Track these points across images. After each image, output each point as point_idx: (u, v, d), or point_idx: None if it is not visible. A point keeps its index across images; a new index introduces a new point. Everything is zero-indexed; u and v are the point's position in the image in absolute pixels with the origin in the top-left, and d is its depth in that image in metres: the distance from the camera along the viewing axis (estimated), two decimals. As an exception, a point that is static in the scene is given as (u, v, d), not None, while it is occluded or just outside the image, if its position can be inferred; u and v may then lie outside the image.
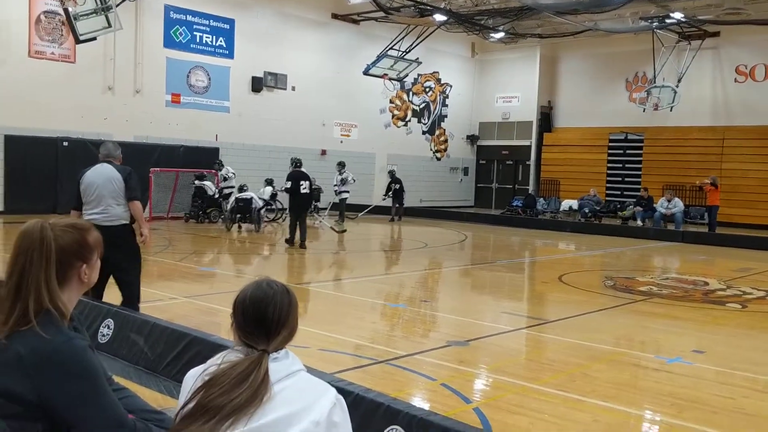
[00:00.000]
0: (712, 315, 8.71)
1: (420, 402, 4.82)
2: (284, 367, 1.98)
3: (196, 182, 18.12)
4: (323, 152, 23.52)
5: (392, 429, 3.51)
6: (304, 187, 12.98)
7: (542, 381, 5.44)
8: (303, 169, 13.45)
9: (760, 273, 12.49)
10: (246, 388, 1.86)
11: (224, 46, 21.32)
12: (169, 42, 20.06)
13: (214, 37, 21.07)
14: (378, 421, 3.57)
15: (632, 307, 8.95)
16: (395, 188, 21.73)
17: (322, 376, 3.91)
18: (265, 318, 2.01)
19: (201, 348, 4.82)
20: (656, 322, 8.21)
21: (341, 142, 24.56)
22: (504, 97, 28.77)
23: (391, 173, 22.54)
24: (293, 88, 22.87)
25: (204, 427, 1.83)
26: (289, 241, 13.18)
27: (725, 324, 8.30)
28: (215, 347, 4.47)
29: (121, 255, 5.78)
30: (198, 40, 20.70)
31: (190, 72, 20.56)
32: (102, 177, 6.00)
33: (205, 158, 19.97)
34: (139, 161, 17.51)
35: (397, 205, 21.75)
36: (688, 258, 15.32)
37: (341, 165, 19.32)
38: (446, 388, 5.14)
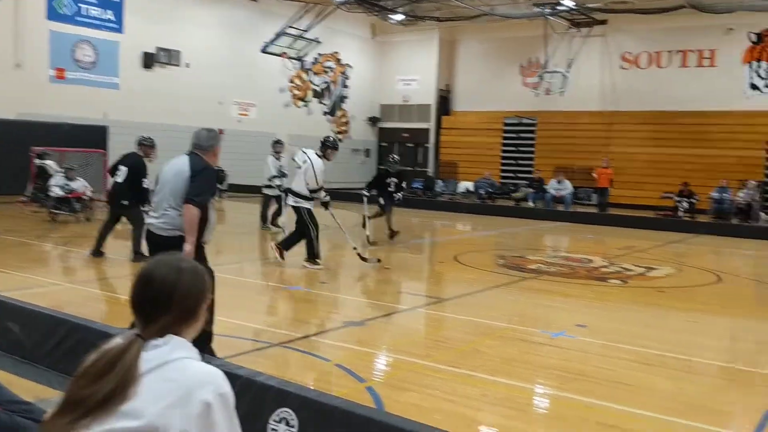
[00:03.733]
0: (596, 291, 9.14)
1: (313, 383, 4.81)
2: (159, 355, 1.73)
3: (37, 161, 15.24)
4: (220, 131, 22.91)
5: (282, 411, 3.47)
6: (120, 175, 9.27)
7: (435, 358, 5.55)
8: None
9: (642, 251, 13.23)
10: (110, 379, 1.65)
11: (113, 19, 20.31)
12: (53, 14, 18.91)
13: (102, 9, 20.02)
14: (268, 405, 3.53)
15: (522, 284, 9.27)
16: (394, 183, 12.97)
17: (212, 361, 3.82)
18: (143, 298, 1.80)
19: (84, 336, 4.59)
20: (544, 298, 8.55)
21: (239, 121, 24.05)
22: (404, 80, 28.98)
23: (391, 162, 13.35)
24: (187, 65, 22.14)
25: (63, 423, 1.63)
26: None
27: (607, 299, 8.74)
28: (100, 335, 4.28)
29: None
30: (84, 13, 19.62)
31: (75, 46, 19.48)
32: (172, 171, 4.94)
33: (93, 137, 19.03)
34: (21, 140, 16.51)
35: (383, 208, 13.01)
36: (576, 237, 16.02)
37: (280, 144, 14.09)
38: (340, 368, 5.15)
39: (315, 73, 27.17)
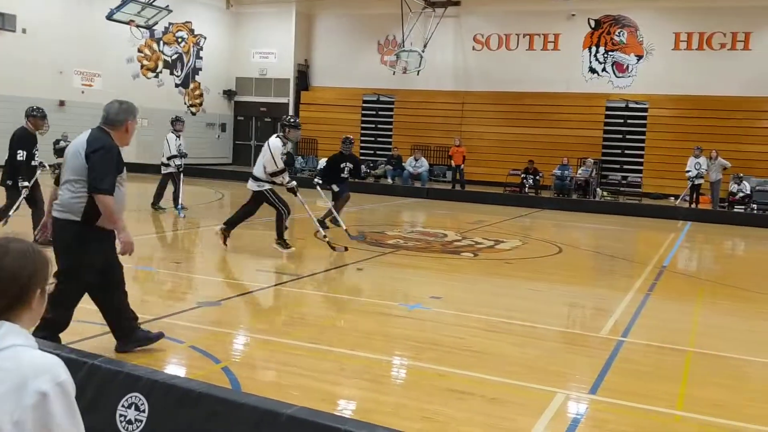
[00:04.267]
0: (450, 264, 9.50)
1: (166, 366, 4.65)
2: None
3: None
4: (61, 103, 21.43)
5: (132, 396, 3.33)
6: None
7: (293, 335, 5.53)
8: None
9: (491, 225, 13.87)
10: None
11: (-66, -24, 18.31)
12: None
13: None
14: (116, 390, 3.37)
15: (381, 259, 9.45)
16: (348, 168, 11.98)
17: (57, 349, 3.59)
18: None
19: None
20: (401, 272, 8.77)
21: (83, 92, 22.55)
22: (261, 53, 28.37)
23: (347, 144, 12.19)
24: (24, 31, 20.41)
25: None
26: None
27: (460, 272, 9.11)
28: None
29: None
30: None
31: None
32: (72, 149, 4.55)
33: None
34: None
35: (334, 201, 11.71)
36: (432, 213, 16.53)
37: (180, 122, 13.34)
38: (195, 350, 5.02)
39: (166, 43, 25.97)
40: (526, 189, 21.13)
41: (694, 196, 18.75)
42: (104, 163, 4.37)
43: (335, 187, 11.66)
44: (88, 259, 4.48)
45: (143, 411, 3.29)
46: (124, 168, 4.60)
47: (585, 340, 6.12)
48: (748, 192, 18.85)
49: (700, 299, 8.05)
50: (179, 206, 12.54)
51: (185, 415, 3.22)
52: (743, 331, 6.54)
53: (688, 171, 18.68)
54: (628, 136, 23.27)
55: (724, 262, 12.03)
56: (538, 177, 21.29)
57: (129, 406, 3.32)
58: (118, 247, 4.57)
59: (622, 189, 21.78)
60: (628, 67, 23.37)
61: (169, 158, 12.86)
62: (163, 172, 13.08)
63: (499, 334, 6.02)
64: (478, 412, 4.13)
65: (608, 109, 23.45)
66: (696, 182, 18.61)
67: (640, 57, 23.20)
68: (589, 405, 4.44)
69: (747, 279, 9.60)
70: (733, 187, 18.96)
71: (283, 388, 4.33)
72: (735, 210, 18.60)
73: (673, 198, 20.17)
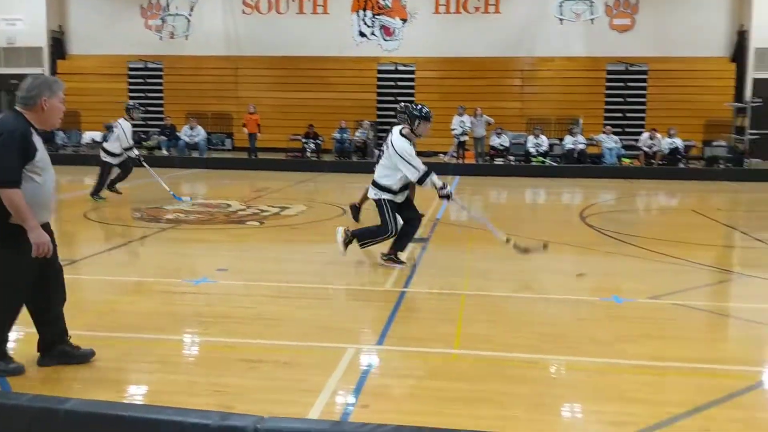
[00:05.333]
0: (235, 234, 9.37)
1: None
2: None
3: None
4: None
5: None
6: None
7: (69, 324, 5.13)
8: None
9: (275, 191, 13.88)
10: None
11: None
12: None
13: None
14: None
15: (161, 235, 9.06)
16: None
17: None
18: None
19: None
20: (184, 247, 8.49)
21: None
22: (7, 20, 25.39)
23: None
24: None
25: None
26: None
27: (246, 241, 9.03)
28: None
29: None
30: None
31: None
32: None
33: None
34: None
35: None
36: (213, 183, 16.12)
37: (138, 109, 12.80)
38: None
39: None
40: (308, 153, 21.35)
41: (461, 152, 20.21)
42: (4, 150, 3.81)
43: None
44: (15, 261, 3.95)
45: None
46: (38, 153, 3.94)
47: (372, 294, 6.41)
48: (507, 145, 20.69)
49: (471, 246, 8.76)
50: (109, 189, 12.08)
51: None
52: (506, 272, 7.22)
53: (454, 129, 20.06)
54: (399, 98, 24.30)
55: (490, 211, 13.14)
56: (318, 141, 21.58)
57: None
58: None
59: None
60: (394, 30, 24.31)
61: (126, 149, 12.00)
62: (105, 159, 12.01)
63: (290, 299, 6.08)
64: (271, 378, 4.17)
65: (380, 72, 24.29)
66: (461, 139, 20.06)
67: (405, 21, 24.22)
68: (377, 355, 4.67)
69: (509, 224, 10.58)
70: (494, 141, 20.67)
71: (62, 382, 4.03)
72: (496, 162, 20.34)
73: (442, 155, 21.54)
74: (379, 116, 24.17)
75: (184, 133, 21.24)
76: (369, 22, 24.35)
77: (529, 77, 23.74)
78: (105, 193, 12.08)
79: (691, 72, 22.80)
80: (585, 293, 6.45)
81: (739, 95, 22.54)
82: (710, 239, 9.78)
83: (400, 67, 24.16)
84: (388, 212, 7.16)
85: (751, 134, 20.76)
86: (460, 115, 20.04)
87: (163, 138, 21.72)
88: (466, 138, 20.16)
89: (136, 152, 12.38)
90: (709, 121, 22.46)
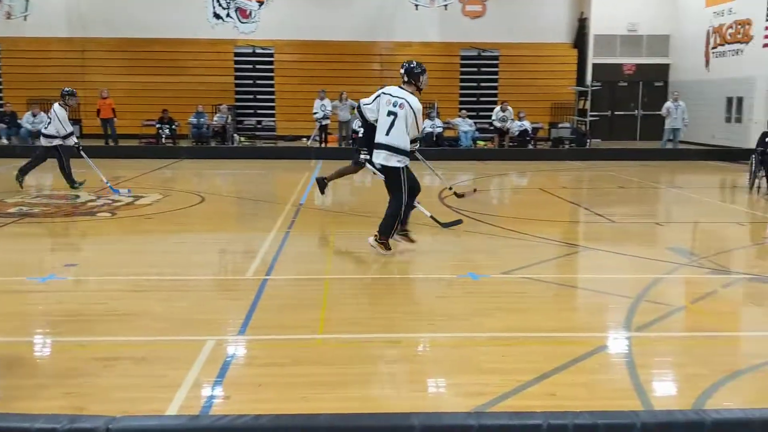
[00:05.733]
0: (84, 227, 8.87)
1: None
2: None
3: None
4: None
5: None
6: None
7: None
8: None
9: (129, 180, 13.23)
10: None
11: None
12: None
13: None
14: None
15: (1, 231, 8.40)
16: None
17: None
18: None
19: None
20: (27, 243, 7.93)
21: None
22: None
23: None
24: None
25: None
26: None
27: (97, 234, 8.57)
28: None
29: None
30: None
31: None
32: None
33: None
34: None
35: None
36: (59, 173, 15.10)
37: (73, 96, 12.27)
38: None
39: None
40: (163, 139, 20.52)
41: (323, 136, 20.21)
42: None
43: None
44: None
45: None
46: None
47: (233, 284, 6.29)
48: (368, 128, 20.89)
49: (334, 230, 8.81)
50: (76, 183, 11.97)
51: None
52: (368, 254, 7.31)
53: (315, 113, 20.01)
54: (258, 82, 23.92)
55: (353, 194, 13.25)
56: (174, 126, 20.79)
57: None
58: None
59: (258, 133, 22.46)
60: (251, 12, 23.81)
61: (65, 136, 11.88)
62: (45, 145, 12.00)
63: (146, 292, 5.85)
64: (127, 376, 4.00)
65: (237, 55, 23.74)
66: (323, 123, 20.06)
67: (261, 3, 23.77)
68: (239, 345, 4.60)
69: (371, 207, 10.74)
70: (356, 124, 20.79)
71: None
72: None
73: (305, 139, 21.46)
74: (238, 100, 23.67)
75: (26, 121, 19.76)
76: (224, 4, 23.69)
77: (388, 62, 24.07)
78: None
79: (538, 57, 24.05)
80: (444, 271, 6.67)
81: (580, 79, 24.08)
82: (557, 215, 10.43)
83: (258, 50, 23.74)
84: (405, 180, 6.99)
85: (591, 116, 22.28)
86: (322, 99, 20.02)
87: (2, 126, 20.09)
88: (328, 122, 20.18)
89: (74, 139, 12.15)
90: (554, 104, 23.85)
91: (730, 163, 18.10)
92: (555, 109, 23.83)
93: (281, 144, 21.57)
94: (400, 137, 6.87)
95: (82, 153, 11.98)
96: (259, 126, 22.98)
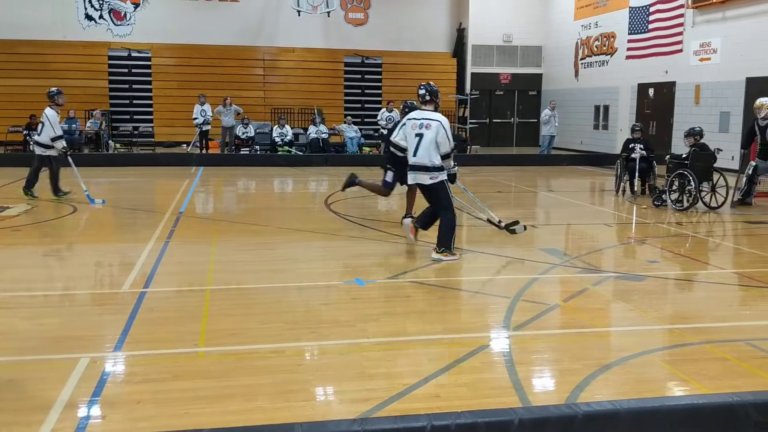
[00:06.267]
0: (-58, 241, 8.18)
1: None
2: None
3: None
4: None
5: None
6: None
7: None
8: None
9: (-8, 190, 12.37)
10: None
11: None
12: None
13: None
14: None
15: None
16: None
17: None
18: None
19: None
20: None
21: None
22: None
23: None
24: None
25: None
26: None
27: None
28: None
29: None
30: None
31: None
32: None
33: None
34: None
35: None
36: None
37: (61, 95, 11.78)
38: None
39: None
40: (31, 147, 19.29)
41: (204, 142, 19.72)
42: None
43: None
44: None
45: None
46: None
47: (109, 298, 6.00)
48: (253, 135, 20.60)
49: (216, 239, 8.59)
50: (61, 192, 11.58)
51: None
52: (252, 263, 7.22)
53: (195, 118, 19.50)
54: (134, 86, 23.03)
55: (235, 202, 13.00)
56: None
57: None
58: None
59: (135, 140, 21.61)
60: (125, 14, 22.91)
61: (54, 139, 11.35)
62: (39, 153, 11.52)
63: (12, 309, 5.48)
64: (-10, 401, 3.72)
65: (111, 58, 22.77)
66: (204, 128, 19.58)
67: (137, 5, 22.93)
68: (115, 362, 4.39)
69: (255, 215, 10.59)
70: (240, 131, 20.44)
71: None
72: (242, 152, 20.17)
73: (184, 145, 20.85)
74: (113, 105, 22.71)
75: None
76: (96, 5, 22.65)
77: (270, 67, 23.88)
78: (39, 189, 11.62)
79: (419, 65, 24.60)
80: (331, 278, 6.67)
81: (460, 88, 24.84)
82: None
83: (134, 54, 22.87)
84: (450, 191, 7.40)
85: (471, 123, 23.02)
86: (202, 104, 19.55)
87: None
88: (208, 128, 19.71)
89: (63, 143, 11.57)
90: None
91: (597, 168, 19.21)
92: (437, 116, 24.43)
93: (160, 150, 20.85)
94: (426, 155, 7.27)
95: (69, 159, 11.50)
96: (136, 132, 22.11)
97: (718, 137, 16.22)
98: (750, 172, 11.50)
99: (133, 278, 6.41)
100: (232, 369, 4.27)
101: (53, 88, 11.58)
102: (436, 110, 7.49)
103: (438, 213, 7.49)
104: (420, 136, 7.29)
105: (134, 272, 6.63)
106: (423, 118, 7.36)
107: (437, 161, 7.29)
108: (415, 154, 7.33)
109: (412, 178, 7.47)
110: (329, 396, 3.97)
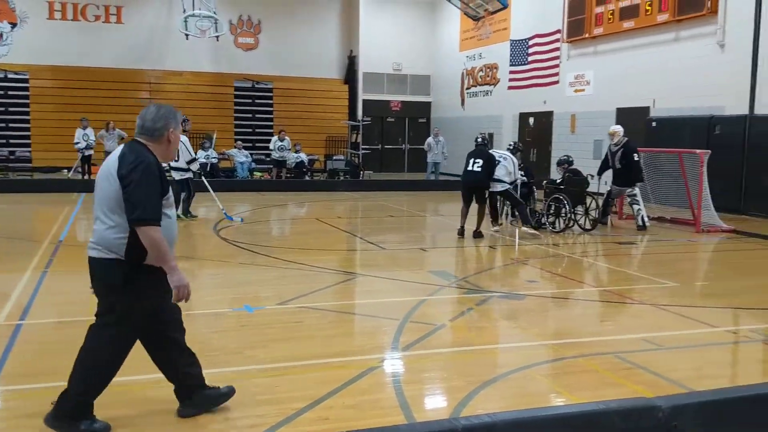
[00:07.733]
0: None
1: None
2: None
3: None
4: None
5: None
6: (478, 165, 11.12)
7: None
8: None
9: None
10: None
11: None
12: None
13: None
14: None
15: None
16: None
17: None
18: None
19: None
20: None
21: None
22: None
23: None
24: None
25: None
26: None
27: None
28: None
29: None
30: None
31: None
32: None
33: None
34: None
35: None
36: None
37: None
38: None
39: None
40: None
41: (86, 167, 18.96)
42: (142, 185, 3.41)
43: None
44: (140, 305, 3.68)
45: None
46: (170, 189, 3.63)
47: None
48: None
49: (99, 268, 8.26)
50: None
51: None
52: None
53: (77, 143, 18.75)
54: (11, 109, 21.89)
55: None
56: None
57: None
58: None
59: (11, 165, 20.48)
60: (2, 35, 21.80)
61: (189, 162, 12.07)
62: (178, 177, 11.94)
63: None
64: None
65: (-16, 79, 21.57)
66: (86, 153, 18.84)
67: (14, 25, 21.90)
68: (-13, 399, 4.17)
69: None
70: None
71: None
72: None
73: (65, 170, 19.97)
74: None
75: None
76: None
77: (157, 90, 23.34)
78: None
79: (311, 91, 24.79)
80: (220, 306, 6.59)
81: (352, 114, 25.20)
82: (333, 245, 10.77)
83: (11, 75, 21.77)
84: (516, 193, 11.54)
85: (364, 149, 23.36)
86: (84, 128, 18.83)
87: None
88: (91, 152, 18.97)
89: (197, 166, 12.43)
90: (329, 137, 24.67)
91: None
92: (330, 142, 24.64)
93: (38, 176, 19.85)
94: (501, 175, 11.34)
95: (203, 179, 12.93)
96: (12, 157, 20.96)
97: (593, 164, 17.25)
98: (606, 195, 12.45)
99: (9, 310, 6.10)
100: (112, 402, 4.14)
101: (183, 116, 11.34)
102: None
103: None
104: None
105: (10, 303, 6.31)
106: (495, 153, 11.73)
107: (507, 179, 11.38)
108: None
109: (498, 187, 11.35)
110: (216, 423, 3.93)
